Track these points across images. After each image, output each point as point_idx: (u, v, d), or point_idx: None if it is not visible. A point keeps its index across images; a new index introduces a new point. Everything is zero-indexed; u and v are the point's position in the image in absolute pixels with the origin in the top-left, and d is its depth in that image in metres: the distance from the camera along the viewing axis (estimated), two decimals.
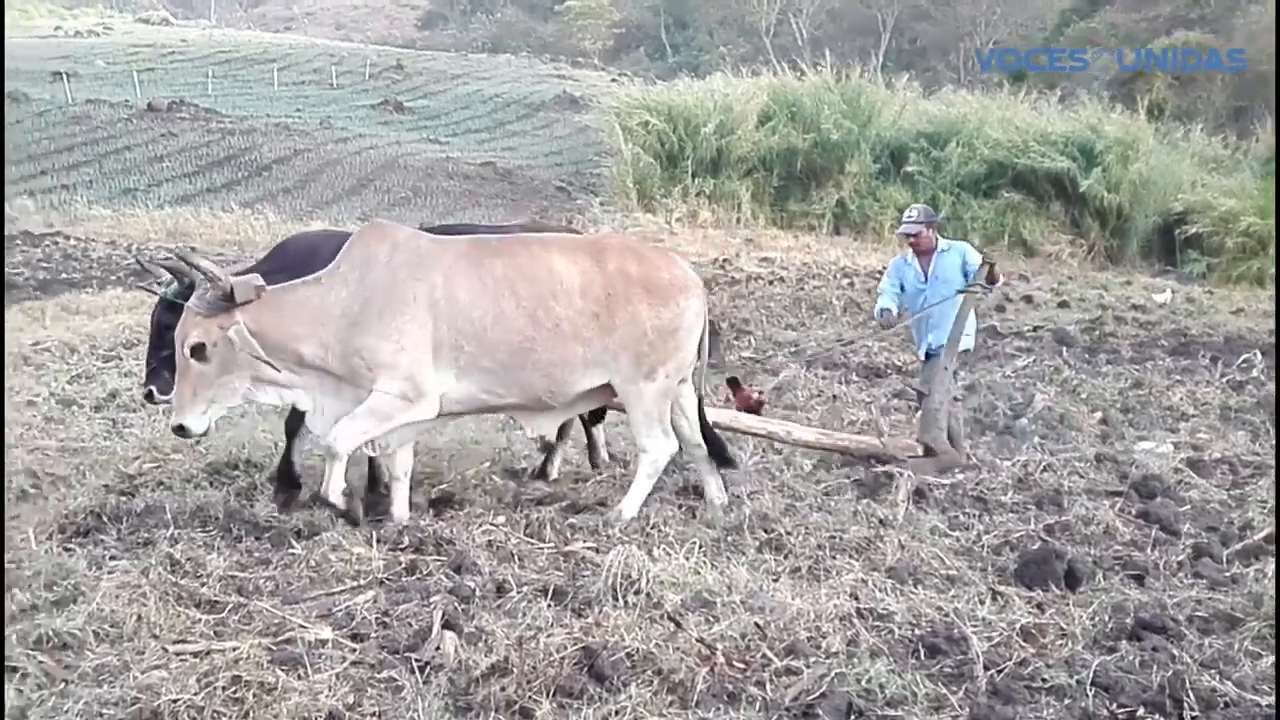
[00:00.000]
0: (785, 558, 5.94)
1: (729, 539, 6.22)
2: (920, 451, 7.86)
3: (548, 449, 7.79)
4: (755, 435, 8.05)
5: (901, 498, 6.88)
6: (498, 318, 6.24)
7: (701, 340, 6.80)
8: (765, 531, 6.30)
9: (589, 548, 6.05)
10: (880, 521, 6.49)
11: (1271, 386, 10.83)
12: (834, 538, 6.18)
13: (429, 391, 6.20)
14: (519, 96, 53.77)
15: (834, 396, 10.52)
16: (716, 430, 7.23)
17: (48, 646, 4.68)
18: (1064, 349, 13.32)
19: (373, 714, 4.20)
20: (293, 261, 6.67)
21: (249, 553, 5.99)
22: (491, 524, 6.37)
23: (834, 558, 5.90)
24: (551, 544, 6.16)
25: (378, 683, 4.45)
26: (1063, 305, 18.12)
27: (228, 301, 5.96)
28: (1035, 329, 15.14)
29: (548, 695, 4.33)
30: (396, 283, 6.14)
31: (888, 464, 7.59)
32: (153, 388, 6.78)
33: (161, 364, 6.63)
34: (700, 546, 5.91)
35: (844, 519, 6.53)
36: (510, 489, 7.30)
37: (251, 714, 4.13)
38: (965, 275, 8.27)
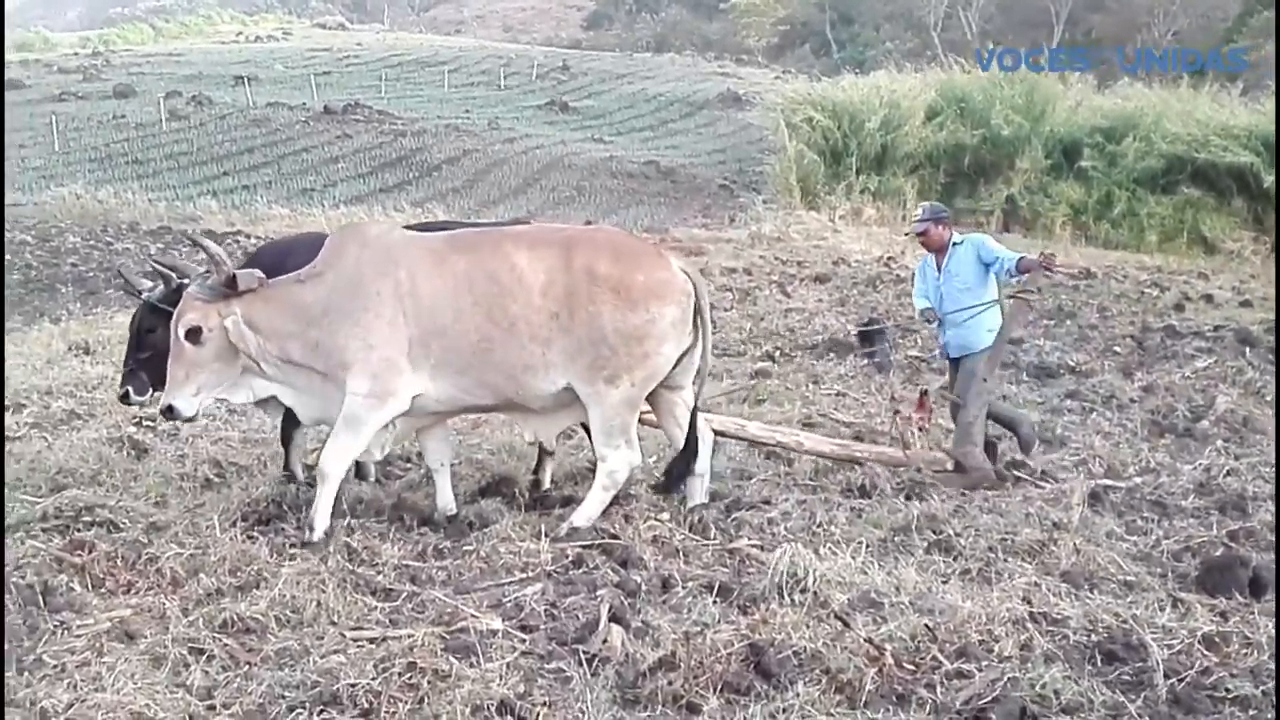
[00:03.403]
0: (955, 559, 5.87)
1: (896, 539, 6.15)
2: (949, 465, 7.55)
3: (540, 455, 7.45)
4: (764, 445, 7.86)
5: (1076, 500, 6.72)
6: (457, 315, 6.13)
7: (694, 348, 6.50)
8: (934, 532, 6.23)
9: (754, 545, 6.04)
10: (1054, 524, 6.36)
11: None
12: (1005, 540, 6.08)
13: (397, 389, 6.12)
14: (682, 95, 53.76)
15: (1003, 396, 10.28)
16: (724, 439, 7.33)
17: (232, 630, 4.88)
18: (1247, 349, 12.78)
19: (543, 704, 4.26)
20: (307, 256, 6.79)
21: (421, 543, 6.15)
22: (656, 520, 6.41)
23: (1006, 560, 5.81)
24: (716, 540, 6.18)
25: (547, 673, 4.52)
26: (1245, 304, 17.42)
27: (229, 289, 6.06)
28: (1216, 329, 14.57)
29: (714, 691, 4.35)
30: (362, 279, 6.13)
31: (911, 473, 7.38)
32: (129, 388, 6.85)
33: (139, 366, 6.74)
34: (867, 546, 5.86)
35: (1015, 521, 6.42)
36: None
37: (426, 700, 4.24)
38: (986, 267, 7.96)
